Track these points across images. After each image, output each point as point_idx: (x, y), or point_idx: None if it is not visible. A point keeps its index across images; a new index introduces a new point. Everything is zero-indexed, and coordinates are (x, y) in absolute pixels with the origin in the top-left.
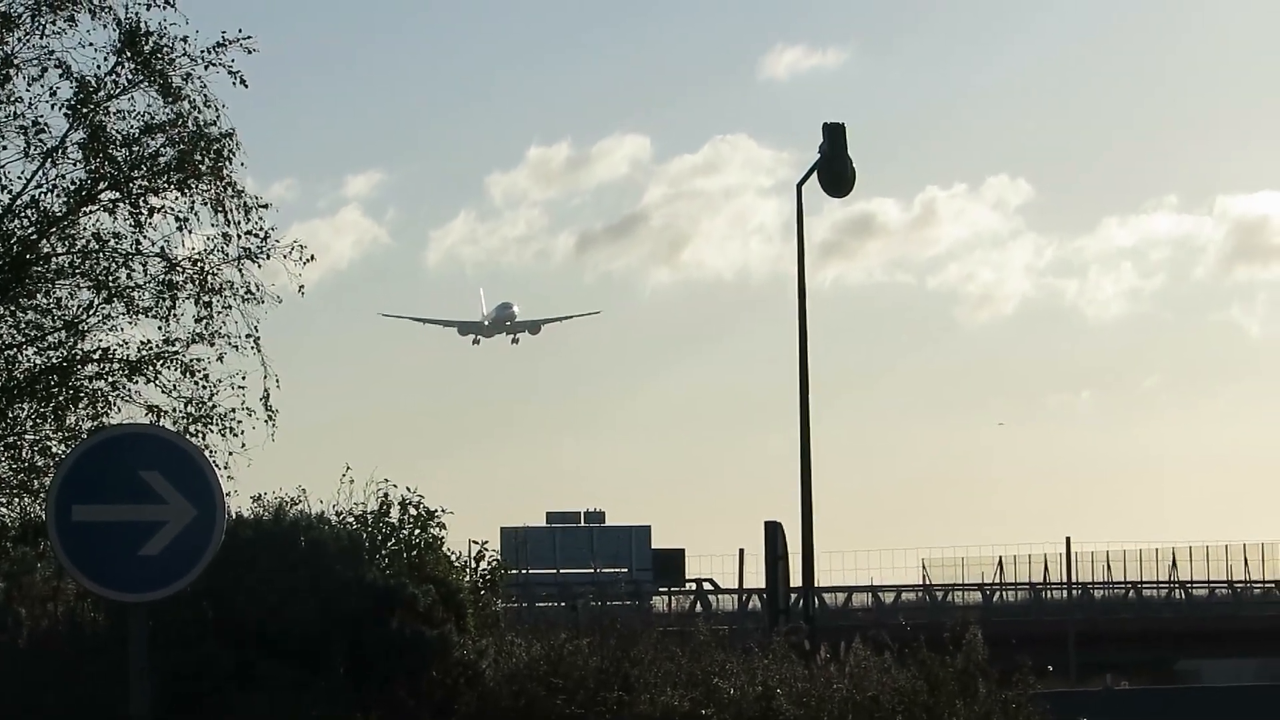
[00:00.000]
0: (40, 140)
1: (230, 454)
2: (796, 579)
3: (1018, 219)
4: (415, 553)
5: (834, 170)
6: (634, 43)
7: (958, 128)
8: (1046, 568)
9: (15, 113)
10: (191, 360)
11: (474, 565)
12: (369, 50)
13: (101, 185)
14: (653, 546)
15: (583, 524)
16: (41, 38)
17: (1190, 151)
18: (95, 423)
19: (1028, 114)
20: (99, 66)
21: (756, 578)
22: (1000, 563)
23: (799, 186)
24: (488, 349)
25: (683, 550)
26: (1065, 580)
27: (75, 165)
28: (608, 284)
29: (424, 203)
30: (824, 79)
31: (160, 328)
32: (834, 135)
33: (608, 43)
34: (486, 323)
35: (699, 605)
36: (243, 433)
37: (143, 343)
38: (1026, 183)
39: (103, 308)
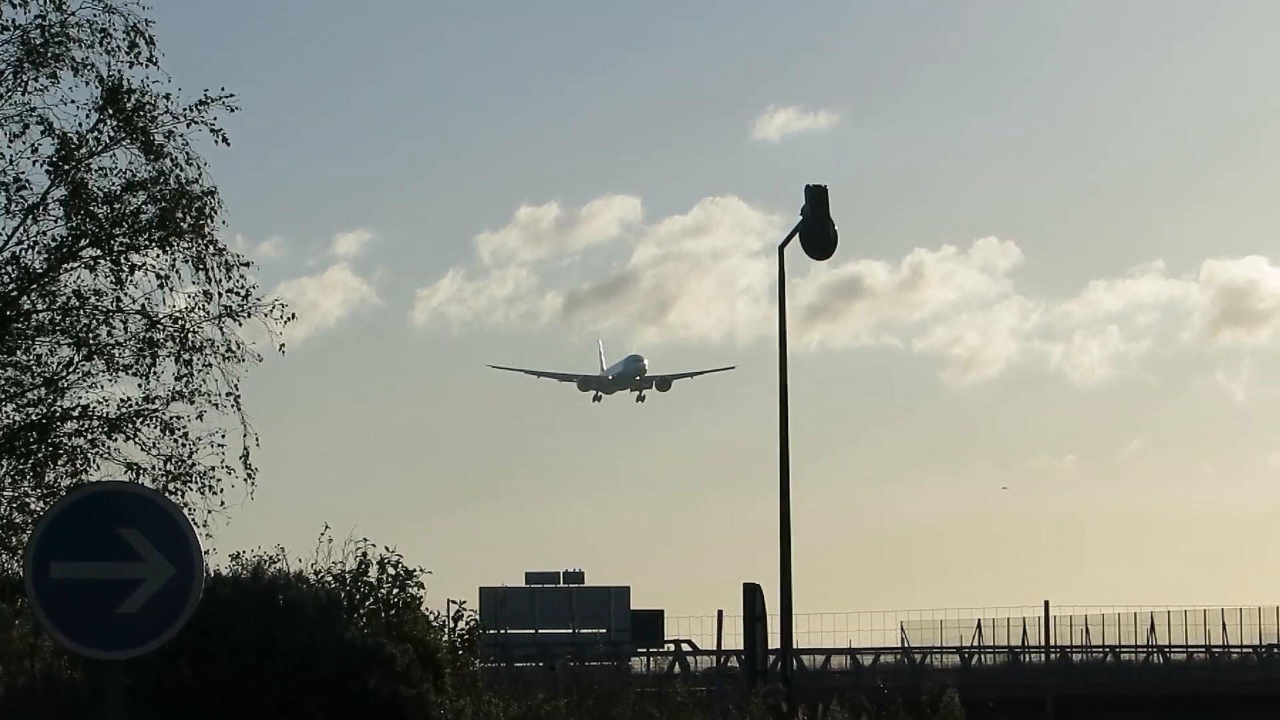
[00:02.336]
0: (21, 197)
1: (209, 512)
2: (775, 641)
3: (1005, 282)
4: (393, 612)
5: (816, 232)
6: (626, 103)
7: (947, 190)
8: (1025, 631)
9: None
10: (171, 418)
11: (452, 625)
12: (359, 109)
13: (83, 242)
14: (631, 607)
15: (562, 584)
16: (24, 94)
17: (1178, 216)
18: (74, 480)
19: (1017, 177)
20: (81, 123)
21: (735, 639)
22: (979, 625)
23: (781, 248)
24: (463, 408)
25: (662, 611)
26: (1043, 644)
27: (56, 222)
28: (594, 345)
29: (412, 262)
30: (815, 141)
31: (140, 385)
32: (816, 197)
33: (600, 103)
34: (610, 377)
35: (677, 666)
36: (222, 491)
37: (122, 400)
38: (1015, 245)
39: (83, 365)
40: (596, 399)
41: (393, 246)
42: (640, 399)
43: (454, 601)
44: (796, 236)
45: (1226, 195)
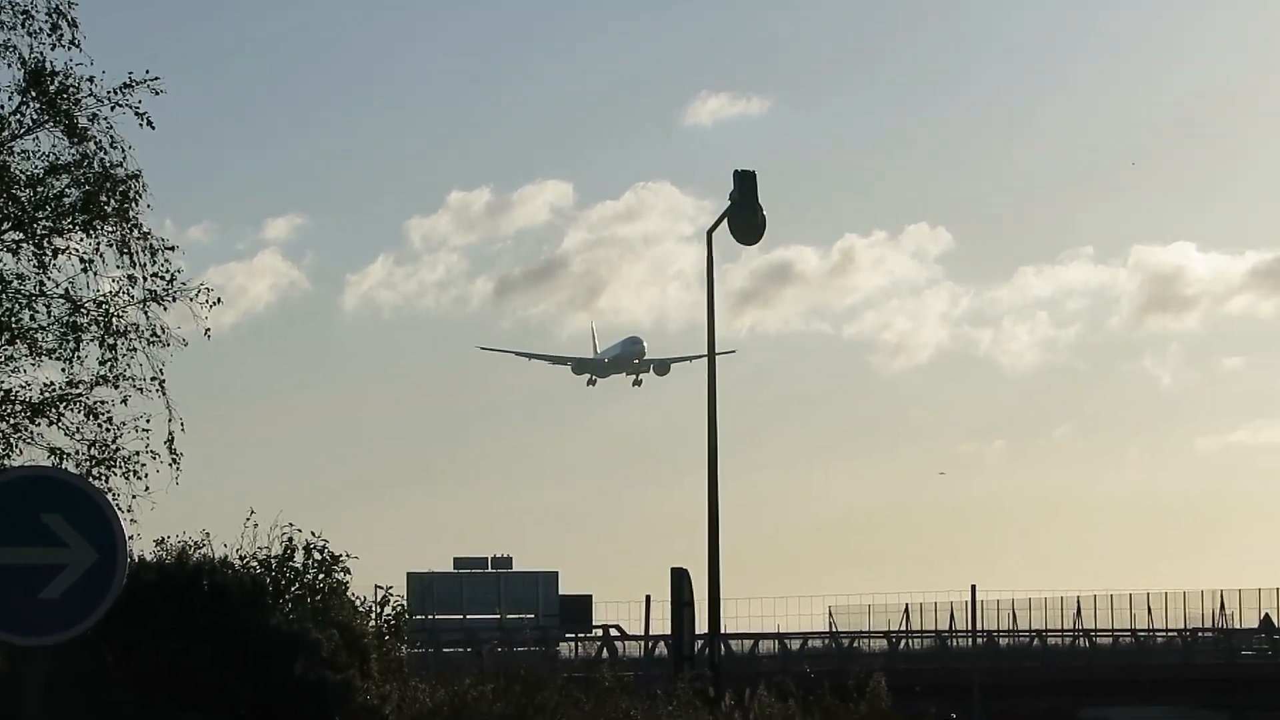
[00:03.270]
0: None
1: (134, 497)
2: (703, 626)
3: (936, 268)
4: (319, 597)
5: (744, 218)
6: (558, 88)
7: (878, 176)
8: (952, 615)
9: None
10: (95, 403)
11: (379, 610)
12: (292, 94)
13: (5, 225)
14: (560, 592)
15: (490, 570)
16: None
17: (1106, 203)
18: None
19: (948, 164)
20: (3, 106)
21: (663, 624)
22: (906, 610)
23: (709, 234)
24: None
25: (590, 596)
26: (970, 628)
27: None
28: (525, 329)
29: (343, 247)
30: (747, 127)
31: (64, 370)
32: (744, 183)
33: (532, 88)
34: (606, 360)
35: (605, 652)
36: (146, 476)
37: (45, 385)
38: (946, 231)
39: (5, 349)
40: (591, 383)
41: (323, 231)
42: (637, 383)
43: (381, 587)
44: (725, 222)
45: (1154, 182)
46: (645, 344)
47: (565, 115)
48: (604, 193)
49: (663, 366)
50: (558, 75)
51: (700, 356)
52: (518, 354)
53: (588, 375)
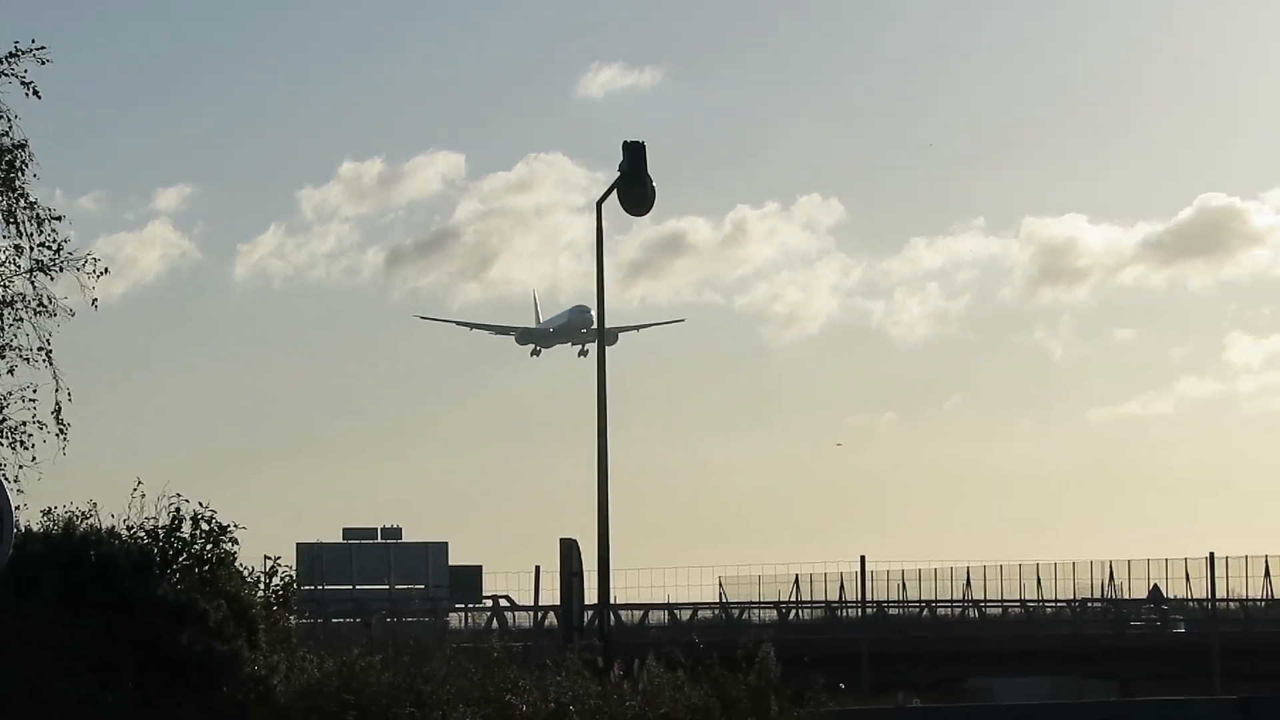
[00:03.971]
0: None
1: (20, 468)
2: (592, 596)
3: (828, 239)
4: (207, 568)
5: (633, 189)
6: (450, 60)
7: (771, 147)
8: (842, 586)
9: None
10: None
11: (267, 581)
12: (184, 63)
13: None
14: (449, 563)
15: (379, 540)
16: None
17: (998, 174)
18: None
19: (840, 135)
20: None
21: (552, 595)
22: (796, 581)
23: (599, 204)
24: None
25: (480, 567)
26: (860, 599)
27: None
28: (416, 299)
29: (234, 217)
30: (639, 98)
31: None
32: (633, 154)
33: (424, 59)
34: (551, 329)
35: (495, 622)
36: (33, 446)
37: None
38: (838, 203)
39: None
40: (535, 353)
41: (214, 202)
42: (583, 353)
43: (269, 557)
44: (615, 193)
45: (1046, 154)
46: (594, 312)
47: (458, 86)
48: (496, 164)
49: (610, 336)
50: (451, 46)
51: (648, 325)
52: (459, 323)
53: (531, 345)
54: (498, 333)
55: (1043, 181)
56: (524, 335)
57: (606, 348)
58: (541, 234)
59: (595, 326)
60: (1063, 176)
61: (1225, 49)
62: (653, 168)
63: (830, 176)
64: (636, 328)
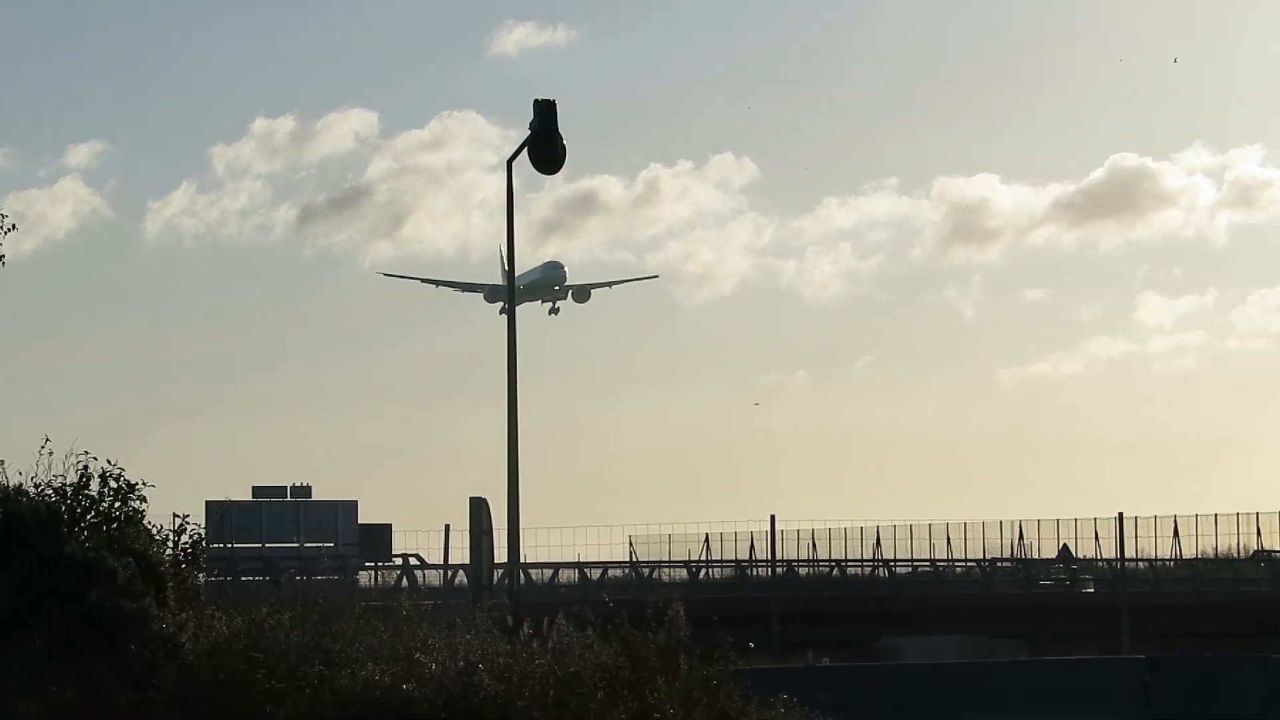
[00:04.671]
0: None
1: None
2: (502, 555)
3: (741, 198)
4: (115, 526)
5: (543, 147)
6: (364, 17)
7: (684, 106)
8: (752, 545)
9: None
10: None
11: (176, 539)
12: (96, 19)
13: None
14: (359, 522)
15: (289, 498)
16: None
17: (910, 135)
18: None
19: (754, 95)
20: None
21: (462, 554)
22: (706, 540)
23: (509, 162)
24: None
25: (389, 525)
26: (770, 558)
27: None
28: (328, 257)
29: (145, 174)
30: (553, 56)
31: None
32: (544, 112)
33: (338, 17)
34: (522, 286)
35: (404, 580)
36: None
37: None
38: (751, 162)
39: None
40: (504, 311)
41: (125, 158)
42: (554, 311)
43: (178, 515)
44: (525, 151)
45: (959, 114)
46: (566, 269)
47: (371, 44)
48: (409, 122)
49: (582, 293)
50: (365, 4)
51: (621, 282)
52: (424, 280)
53: (500, 304)
54: (464, 290)
55: (955, 142)
56: (493, 293)
57: (579, 304)
58: (454, 192)
59: (568, 283)
60: (975, 137)
61: (1137, 10)
62: (565, 126)
63: (743, 136)
64: (609, 284)
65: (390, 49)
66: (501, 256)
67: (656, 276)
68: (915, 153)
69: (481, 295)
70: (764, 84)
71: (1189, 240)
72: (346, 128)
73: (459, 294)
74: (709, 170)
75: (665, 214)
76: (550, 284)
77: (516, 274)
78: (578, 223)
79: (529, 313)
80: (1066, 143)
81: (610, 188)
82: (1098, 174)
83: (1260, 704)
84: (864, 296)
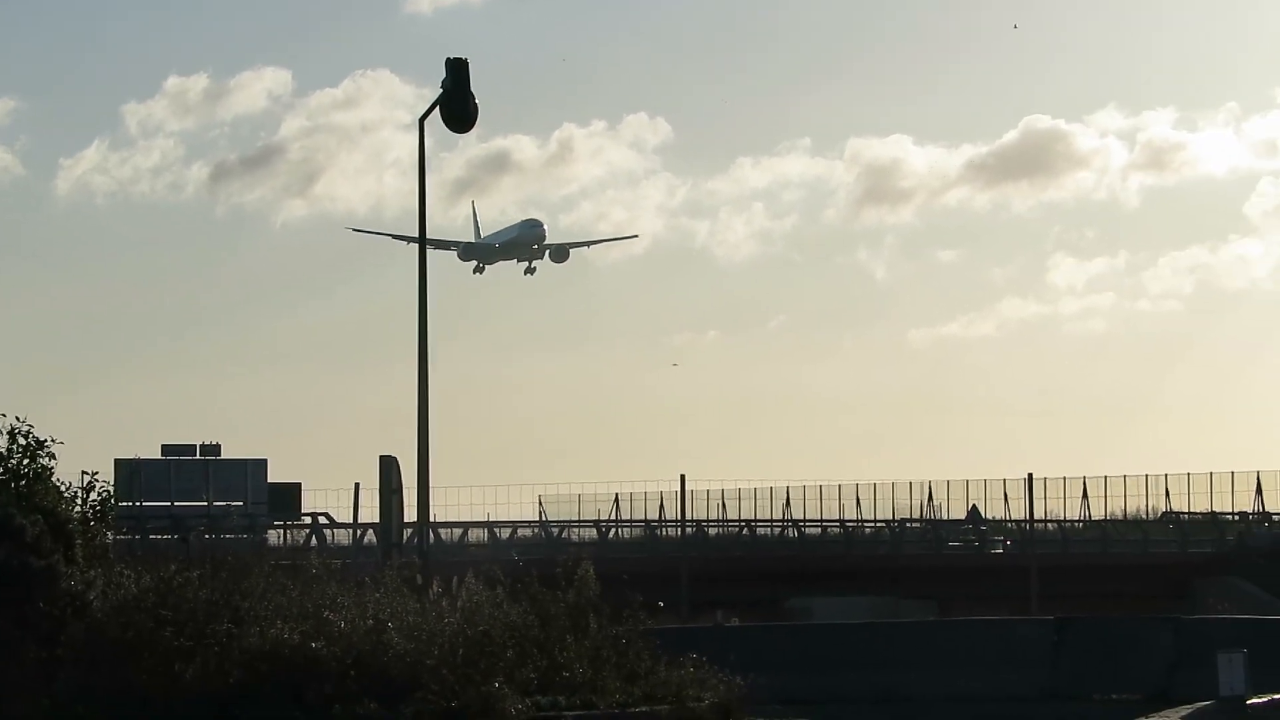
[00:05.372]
0: None
1: None
2: (412, 514)
3: (654, 159)
4: (24, 483)
5: (455, 105)
6: None
7: (599, 66)
8: (662, 505)
9: None
10: None
11: (84, 497)
12: None
13: None
14: (268, 480)
15: (198, 457)
16: None
17: (824, 96)
18: None
19: (668, 54)
20: None
21: (372, 512)
22: (616, 500)
23: (421, 121)
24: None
25: (299, 484)
26: (680, 518)
27: None
28: (240, 216)
29: (57, 131)
30: (468, 15)
31: None
32: (456, 71)
33: None
34: (497, 244)
35: (313, 539)
36: None
37: None
38: (665, 122)
39: None
40: (478, 270)
41: (36, 115)
42: (530, 271)
43: (87, 473)
44: (437, 110)
45: (872, 75)
46: (545, 228)
47: (285, 2)
48: (322, 80)
49: (560, 252)
50: None
51: (599, 241)
52: (395, 237)
53: (475, 262)
54: (436, 248)
55: (868, 103)
56: (467, 250)
57: (557, 263)
58: (367, 151)
59: (548, 242)
60: (888, 98)
61: None
62: (479, 85)
63: (657, 96)
64: (588, 244)
65: (304, 7)
66: (474, 213)
67: (636, 236)
68: (829, 114)
69: (455, 253)
70: (678, 44)
71: (1101, 202)
72: (260, 86)
73: (374, 252)
74: (623, 130)
75: (579, 174)
76: (529, 243)
77: (494, 231)
78: (491, 182)
79: (447, 271)
80: (980, 104)
81: (524, 147)
82: (1011, 135)
83: (1169, 664)
84: (776, 257)
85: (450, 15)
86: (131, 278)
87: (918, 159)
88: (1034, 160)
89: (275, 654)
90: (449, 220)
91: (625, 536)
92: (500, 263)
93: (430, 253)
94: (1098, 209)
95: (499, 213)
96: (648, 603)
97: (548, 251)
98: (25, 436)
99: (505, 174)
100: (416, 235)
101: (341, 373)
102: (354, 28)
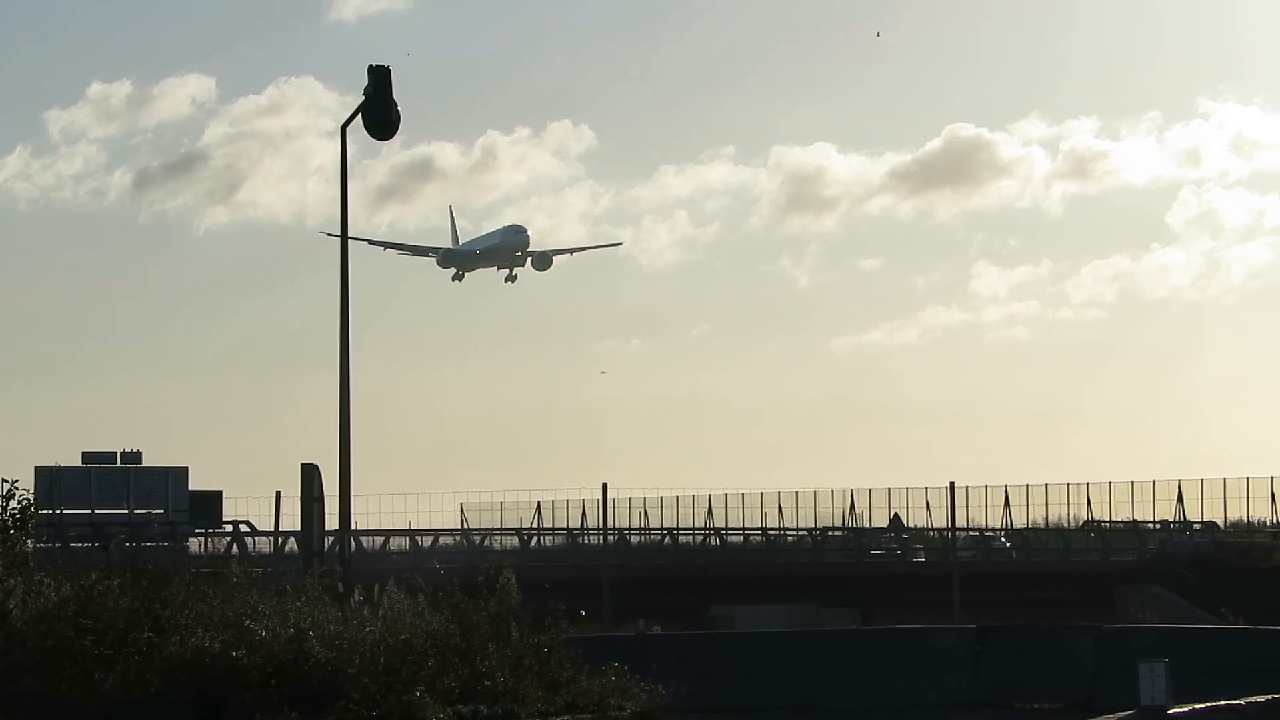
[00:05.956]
0: None
1: None
2: (333, 522)
3: (578, 166)
4: None
5: (378, 112)
6: None
7: (523, 73)
8: (584, 513)
9: None
10: None
11: (3, 504)
12: None
13: None
14: (189, 488)
15: (119, 465)
16: None
17: (748, 104)
18: None
19: (593, 62)
20: None
21: (294, 520)
22: (538, 507)
23: (343, 128)
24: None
25: (220, 492)
26: (602, 525)
27: None
28: (163, 222)
29: None
30: (392, 22)
31: None
32: (378, 78)
33: None
34: (478, 251)
35: (234, 547)
36: None
37: None
38: (590, 129)
39: None
40: (457, 277)
41: None
42: (511, 279)
43: (6, 480)
44: (360, 117)
45: (796, 83)
46: (530, 234)
47: (209, 9)
48: (246, 87)
49: (543, 259)
50: None
51: (584, 249)
52: (371, 242)
53: (454, 269)
54: (415, 254)
55: (792, 111)
56: (447, 257)
57: (539, 271)
58: (291, 158)
59: (531, 249)
60: (812, 106)
61: None
62: (403, 92)
63: (582, 103)
64: (570, 251)
65: (229, 14)
66: (452, 219)
67: (621, 244)
68: (752, 121)
69: (434, 260)
70: (603, 52)
71: (1024, 210)
72: (183, 93)
73: (296, 259)
74: (547, 137)
75: (502, 180)
76: (511, 249)
77: (475, 237)
78: (415, 189)
79: (372, 278)
80: (903, 112)
81: (447, 154)
82: (934, 144)
83: (1091, 673)
84: (700, 264)
85: (374, 22)
86: (53, 284)
87: (841, 167)
88: (957, 169)
89: (196, 663)
90: (372, 227)
91: (547, 544)
92: (480, 270)
93: (381, 256)
94: (1021, 217)
95: (422, 219)
96: (570, 611)
97: (530, 259)
98: None
99: (429, 181)
100: (391, 241)
101: (263, 380)
102: (278, 34)
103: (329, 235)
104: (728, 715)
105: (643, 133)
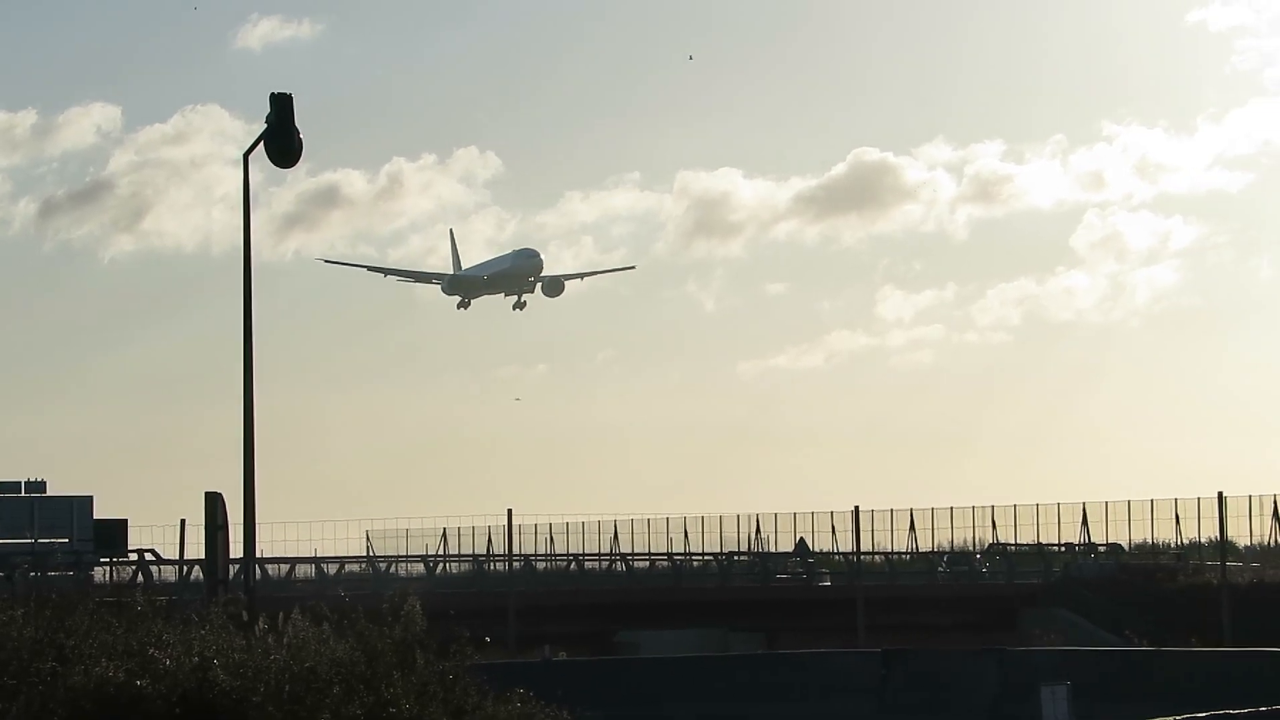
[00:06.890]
0: None
1: None
2: (238, 550)
3: (485, 192)
4: None
5: (280, 140)
6: (107, 10)
7: (429, 100)
8: (490, 540)
9: None
10: None
11: None
12: None
13: None
14: (94, 517)
15: (23, 494)
16: None
17: (653, 129)
18: None
19: (498, 89)
20: None
21: (198, 549)
22: (444, 535)
23: (245, 156)
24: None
25: (125, 520)
26: (507, 552)
27: None
28: (68, 251)
29: None
30: (297, 51)
31: None
32: (280, 106)
33: (80, 8)
34: (486, 276)
35: (139, 576)
36: None
37: None
38: (496, 156)
39: None
40: (463, 304)
41: None
42: (520, 305)
43: None
44: (262, 145)
45: (701, 108)
46: (542, 257)
47: (114, 37)
48: (152, 115)
49: (555, 285)
50: None
51: (594, 273)
52: (370, 269)
53: (459, 296)
54: (416, 280)
55: (697, 136)
56: (452, 284)
57: (550, 297)
58: (196, 186)
59: (544, 274)
60: (717, 131)
61: (877, 5)
62: (309, 120)
63: (488, 130)
64: (580, 275)
65: (134, 42)
66: (453, 244)
67: (634, 268)
68: (658, 147)
69: (439, 287)
70: (508, 79)
71: (929, 234)
72: (88, 121)
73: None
74: (452, 164)
75: (408, 207)
76: (523, 275)
77: (483, 261)
78: (320, 216)
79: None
80: (808, 137)
81: (353, 181)
82: (839, 168)
83: (994, 695)
84: (605, 290)
85: (280, 51)
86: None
87: (747, 192)
88: (862, 193)
89: (100, 692)
90: (277, 255)
91: (453, 571)
92: (485, 296)
93: (289, 281)
94: (926, 241)
95: (328, 246)
96: (475, 638)
97: (541, 284)
98: None
99: (334, 208)
100: (391, 268)
101: (167, 409)
102: (183, 63)
103: (327, 262)
104: None
105: (548, 159)
